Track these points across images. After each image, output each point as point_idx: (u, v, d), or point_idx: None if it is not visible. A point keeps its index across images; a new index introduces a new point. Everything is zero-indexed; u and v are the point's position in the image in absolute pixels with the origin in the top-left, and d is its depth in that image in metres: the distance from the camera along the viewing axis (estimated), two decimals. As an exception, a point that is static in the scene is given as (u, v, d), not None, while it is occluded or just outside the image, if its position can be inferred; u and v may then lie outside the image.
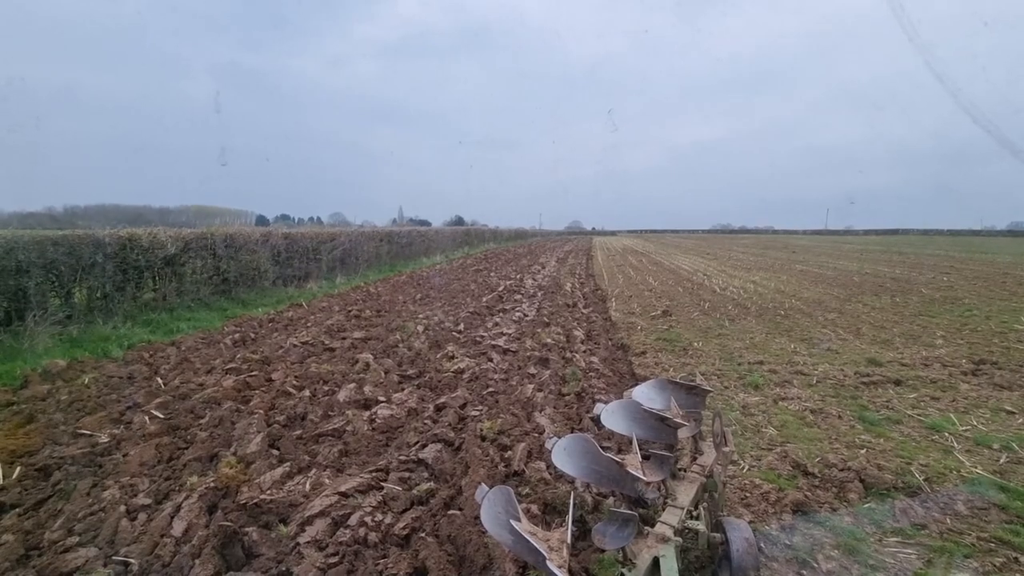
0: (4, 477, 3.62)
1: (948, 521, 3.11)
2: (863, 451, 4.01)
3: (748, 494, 3.43)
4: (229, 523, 2.91)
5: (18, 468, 3.73)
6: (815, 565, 2.75)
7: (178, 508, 3.15)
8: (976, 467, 3.74)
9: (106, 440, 4.18)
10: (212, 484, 3.37)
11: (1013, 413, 4.78)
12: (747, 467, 3.80)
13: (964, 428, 4.46)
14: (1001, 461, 3.84)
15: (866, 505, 3.30)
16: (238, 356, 6.68)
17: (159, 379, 5.78)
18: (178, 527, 2.97)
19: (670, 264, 22.97)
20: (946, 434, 4.34)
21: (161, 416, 4.65)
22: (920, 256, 27.55)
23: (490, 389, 5.41)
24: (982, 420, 4.64)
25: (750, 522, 2.96)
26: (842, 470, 3.62)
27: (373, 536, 2.88)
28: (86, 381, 5.73)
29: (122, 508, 3.18)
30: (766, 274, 18.10)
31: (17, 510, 3.26)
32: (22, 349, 6.84)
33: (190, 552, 2.74)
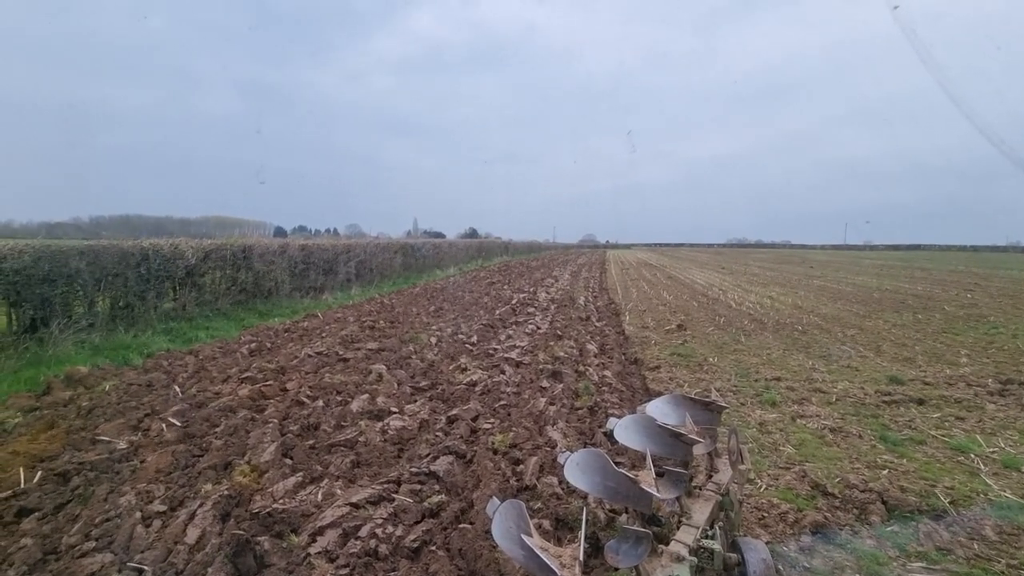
0: (25, 481, 3.69)
1: (975, 546, 3.00)
2: (885, 472, 3.90)
3: (765, 514, 3.35)
4: (242, 532, 2.93)
5: (39, 472, 3.80)
6: (835, 589, 2.66)
7: (192, 515, 3.18)
8: (1005, 491, 3.61)
9: (124, 446, 4.25)
10: (226, 492, 3.40)
11: (1043, 435, 4.62)
12: (764, 486, 3.72)
13: (991, 450, 4.31)
14: (1031, 485, 3.70)
15: (889, 528, 3.20)
16: (254, 365, 6.76)
17: (176, 387, 5.87)
18: (192, 534, 2.99)
19: (685, 278, 22.78)
20: (972, 456, 4.21)
21: (178, 424, 4.71)
22: (942, 272, 26.95)
23: (502, 402, 5.39)
24: (1010, 442, 4.49)
25: (767, 543, 2.88)
26: (863, 491, 3.53)
27: (384, 548, 2.87)
28: (107, 388, 5.84)
29: (138, 514, 3.21)
30: (783, 289, 17.85)
31: (37, 514, 3.32)
32: (46, 355, 7.01)
33: (203, 560, 2.75)
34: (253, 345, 8.12)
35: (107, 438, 4.41)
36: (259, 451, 4.06)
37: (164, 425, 4.67)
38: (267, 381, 6.01)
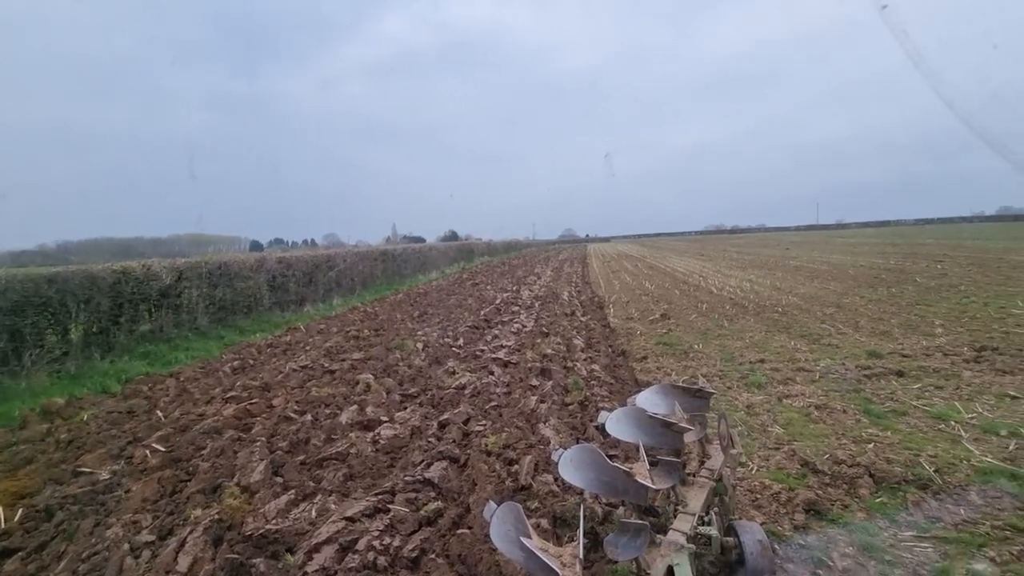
0: (6, 521, 3.56)
1: (962, 512, 3.08)
2: (871, 445, 3.99)
3: (758, 495, 3.40)
4: (236, 555, 2.87)
5: (20, 510, 3.67)
6: (831, 564, 2.72)
7: (183, 543, 3.10)
8: (986, 455, 3.72)
9: (107, 477, 4.13)
10: (216, 516, 3.32)
11: (1018, 398, 4.78)
12: (755, 468, 3.78)
13: (970, 416, 4.45)
14: (1010, 448, 3.82)
15: (878, 500, 3.28)
16: (238, 384, 6.63)
17: (159, 412, 5.73)
18: (183, 562, 2.92)
19: (666, 267, 23.03)
20: (952, 423, 4.33)
21: (162, 449, 4.59)
22: (913, 246, 27.73)
23: (493, 403, 5.38)
24: (988, 407, 4.63)
25: (762, 524, 2.92)
26: (851, 466, 3.60)
27: (382, 560, 2.83)
28: (85, 418, 5.67)
29: (126, 546, 3.12)
30: (761, 272, 18.16)
31: (20, 554, 3.21)
32: (20, 389, 6.77)
33: (197, 588, 2.69)
34: (236, 363, 7.97)
35: (89, 469, 4.28)
36: (248, 471, 3.98)
37: (148, 452, 4.55)
38: (252, 399, 5.90)
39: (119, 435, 5.08)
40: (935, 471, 3.50)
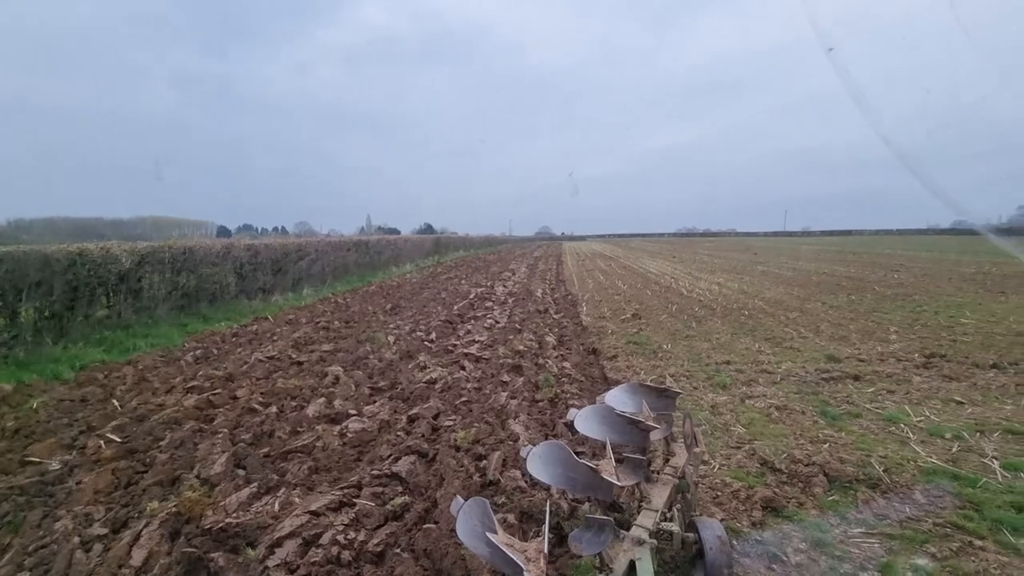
0: (-58, 513, 3.37)
1: (907, 510, 3.25)
2: (826, 445, 4.15)
3: (719, 493, 3.50)
4: (193, 549, 2.80)
5: (-42, 502, 3.48)
6: (785, 559, 2.82)
7: (137, 536, 3.00)
8: (931, 457, 3.93)
9: (57, 467, 3.95)
10: (174, 509, 3.22)
11: (962, 403, 5.05)
12: (717, 466, 3.89)
13: (918, 419, 4.67)
14: (953, 450, 4.04)
15: (831, 498, 3.42)
16: (200, 373, 6.43)
17: (115, 401, 5.51)
18: (137, 556, 2.82)
19: (639, 268, 23.38)
20: (902, 426, 4.55)
21: (118, 440, 4.43)
22: (872, 255, 28.88)
23: (463, 398, 5.38)
24: (934, 411, 4.88)
25: (722, 520, 3.02)
26: (807, 465, 3.74)
27: (346, 555, 2.81)
28: (35, 406, 5.40)
29: (76, 539, 3.00)
30: (730, 276, 18.63)
31: (-43, 547, 3.04)
32: (-38, 374, 6.40)
33: (151, 582, 2.61)
34: (198, 352, 7.73)
35: (38, 459, 4.08)
36: (209, 463, 3.88)
37: (102, 442, 4.38)
38: (215, 389, 5.74)
39: (71, 424, 4.86)
40: (884, 471, 3.67)
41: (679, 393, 3.17)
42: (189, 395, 5.57)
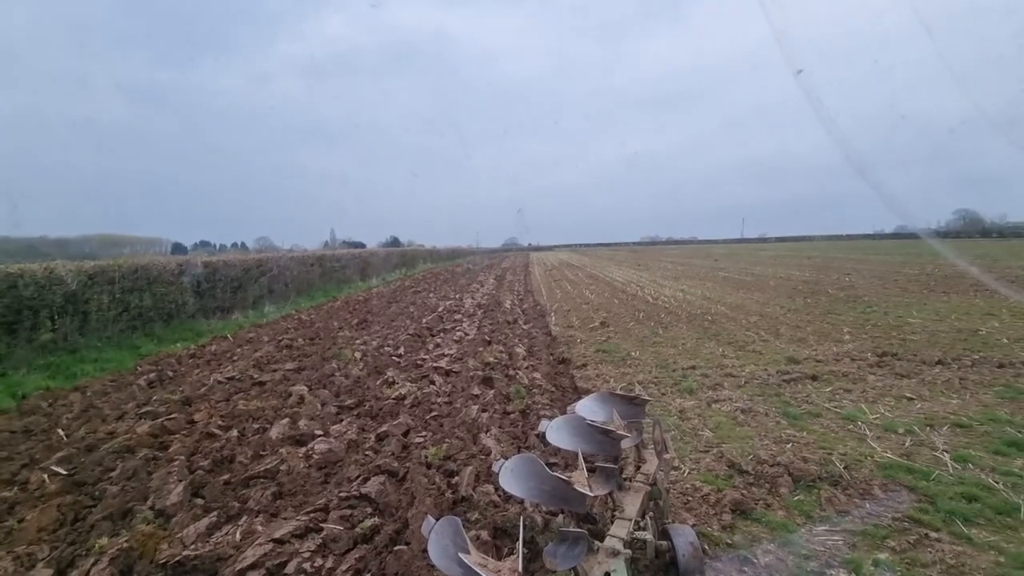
0: None
1: (867, 505, 3.36)
2: (789, 445, 4.27)
3: (690, 497, 3.54)
4: (147, 587, 2.63)
5: None
6: (755, 560, 2.87)
7: (86, 575, 2.80)
8: (887, 452, 4.09)
9: (-7, 506, 3.67)
10: (126, 544, 3.03)
11: (912, 399, 5.30)
12: (687, 471, 3.94)
13: (874, 416, 4.87)
14: (907, 444, 4.23)
15: (796, 498, 3.51)
16: (154, 398, 6.12)
17: (60, 431, 5.17)
18: (85, 599, 2.63)
19: (605, 277, 23.72)
20: (859, 423, 4.73)
21: (63, 472, 4.15)
22: (826, 259, 30.19)
23: (434, 413, 5.29)
24: (888, 407, 5.10)
25: (693, 525, 3.05)
26: (772, 465, 3.84)
27: (314, 583, 2.69)
28: (-33, 439, 5.01)
29: (14, 584, 2.78)
30: (693, 282, 19.11)
31: None
32: None
33: (100, 626, 2.43)
34: (152, 375, 7.36)
35: (-30, 499, 3.78)
36: (164, 493, 3.67)
37: (46, 476, 4.09)
38: (171, 414, 5.47)
39: (11, 458, 4.53)
40: (845, 468, 3.79)
41: (648, 400, 3.21)
42: (142, 421, 5.28)
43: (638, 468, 2.93)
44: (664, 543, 2.47)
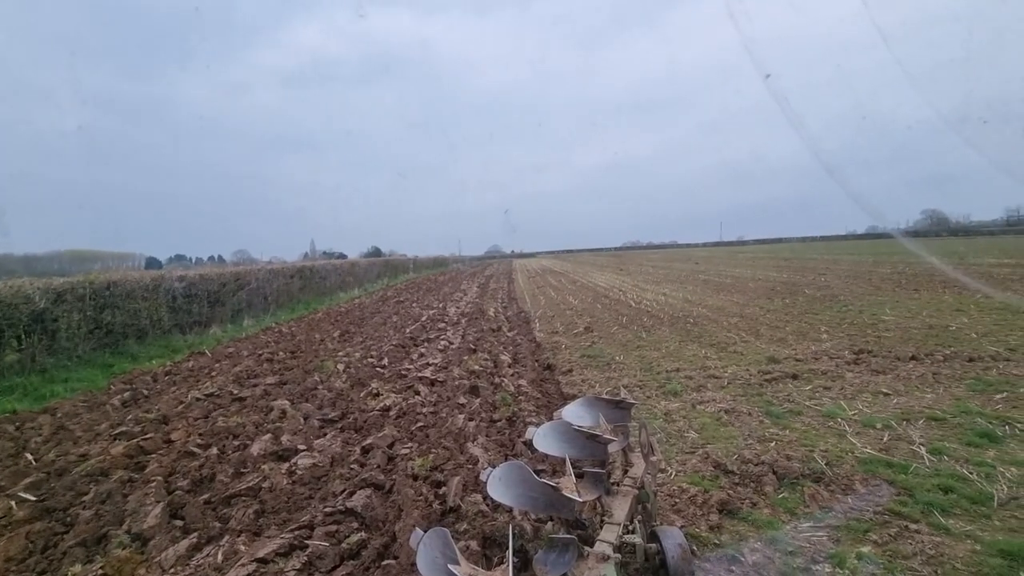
0: None
1: (849, 500, 3.43)
2: (772, 444, 4.33)
3: (677, 499, 3.56)
4: (124, 615, 2.53)
5: None
6: (742, 559, 2.90)
7: (57, 606, 2.69)
8: (866, 447, 4.18)
9: (-42, 537, 3.50)
10: (100, 571, 2.93)
11: (889, 395, 5.43)
12: (674, 472, 3.96)
13: (853, 413, 4.98)
14: (885, 439, 4.32)
15: (780, 495, 3.56)
16: (129, 418, 5.94)
17: (28, 455, 4.98)
18: (57, 630, 2.53)
19: (588, 282, 23.87)
20: (839, 420, 4.82)
21: (32, 499, 3.98)
22: (802, 261, 30.90)
23: (419, 424, 5.24)
24: (866, 404, 5.22)
25: (681, 527, 3.06)
26: (756, 464, 3.89)
27: (299, 602, 2.63)
28: (-71, 467, 4.79)
29: (-19, 618, 2.65)
30: (674, 286, 19.36)
31: None
32: None
33: (74, 658, 2.33)
34: (127, 394, 7.14)
35: (-67, 530, 3.60)
36: (140, 516, 3.55)
37: (13, 503, 3.92)
38: (147, 434, 5.31)
39: (-25, 485, 4.34)
40: (827, 464, 3.86)
41: (634, 404, 3.22)
42: (117, 442, 5.11)
43: (625, 472, 2.94)
44: (653, 546, 2.47)
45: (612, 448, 2.78)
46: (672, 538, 2.47)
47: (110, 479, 4.21)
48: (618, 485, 2.74)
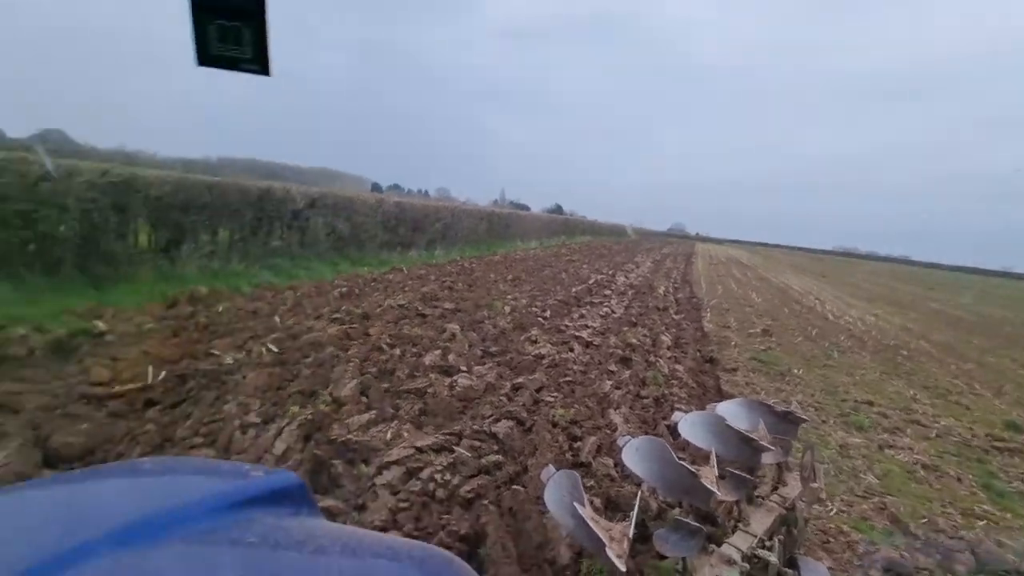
0: (153, 378, 4.31)
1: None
2: (983, 523, 3.50)
3: (831, 539, 3.16)
4: (320, 453, 3.25)
5: (163, 372, 4.42)
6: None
7: (280, 431, 3.57)
8: None
9: (231, 362, 4.81)
10: (310, 416, 3.76)
11: None
12: (835, 510, 3.49)
13: (1126, 524, 3.72)
14: None
15: (976, 582, 2.90)
16: (343, 308, 7.29)
17: (276, 318, 6.50)
18: (279, 447, 3.37)
19: (778, 281, 21.23)
20: (1099, 526, 3.65)
21: (275, 349, 5.24)
22: (1101, 315, 22.92)
23: (568, 378, 5.43)
24: None
25: (829, 568, 2.73)
26: (952, 538, 3.21)
27: (440, 492, 3.06)
28: (220, 309, 6.60)
29: (237, 422, 3.66)
30: (891, 308, 16.12)
31: (159, 406, 3.89)
32: (175, 274, 8.02)
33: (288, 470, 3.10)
34: (344, 289, 8.75)
35: (218, 352, 5.01)
36: (340, 385, 4.43)
37: (264, 349, 5.22)
38: (353, 324, 6.48)
39: (244, 329, 5.85)
40: (1060, 572, 3.00)
41: (804, 420, 2.89)
42: (332, 324, 6.36)
43: (775, 488, 2.69)
44: (791, 572, 2.26)
45: (766, 459, 2.56)
46: (815, 572, 2.23)
47: (324, 351, 5.30)
48: (763, 499, 2.54)
